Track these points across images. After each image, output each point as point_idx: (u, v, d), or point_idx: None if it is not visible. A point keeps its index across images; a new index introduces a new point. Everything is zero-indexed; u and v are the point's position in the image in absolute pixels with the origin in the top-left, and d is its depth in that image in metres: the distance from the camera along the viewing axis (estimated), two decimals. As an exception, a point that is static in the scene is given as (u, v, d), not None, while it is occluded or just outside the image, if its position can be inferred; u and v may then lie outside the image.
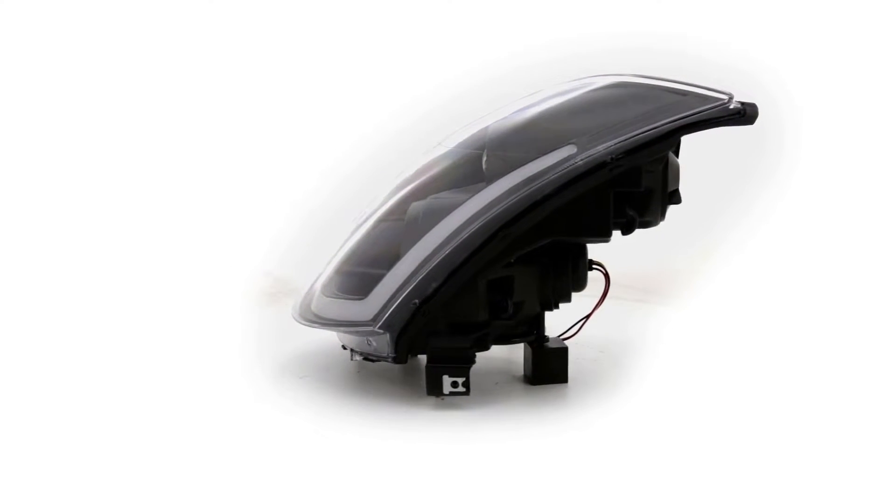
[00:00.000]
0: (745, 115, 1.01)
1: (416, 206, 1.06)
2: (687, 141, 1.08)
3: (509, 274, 1.04)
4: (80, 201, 1.50)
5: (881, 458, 0.92)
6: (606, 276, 1.14)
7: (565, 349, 1.11)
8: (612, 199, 1.00)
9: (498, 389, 1.10)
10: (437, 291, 1.00)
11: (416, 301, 1.01)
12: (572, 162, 0.98)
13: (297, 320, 1.13)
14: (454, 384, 1.02)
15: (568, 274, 1.08)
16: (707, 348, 1.25)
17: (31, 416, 1.01)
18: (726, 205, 1.54)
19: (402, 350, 1.03)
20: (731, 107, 1.02)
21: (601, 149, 0.98)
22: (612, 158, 0.98)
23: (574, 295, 1.10)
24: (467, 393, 1.02)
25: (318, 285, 1.16)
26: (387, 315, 1.02)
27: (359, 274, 1.08)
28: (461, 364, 1.02)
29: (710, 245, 1.54)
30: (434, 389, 1.02)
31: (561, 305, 1.11)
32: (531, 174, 0.99)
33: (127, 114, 1.52)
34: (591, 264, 1.14)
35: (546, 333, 1.14)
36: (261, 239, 1.53)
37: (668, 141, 0.99)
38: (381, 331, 1.03)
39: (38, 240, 1.46)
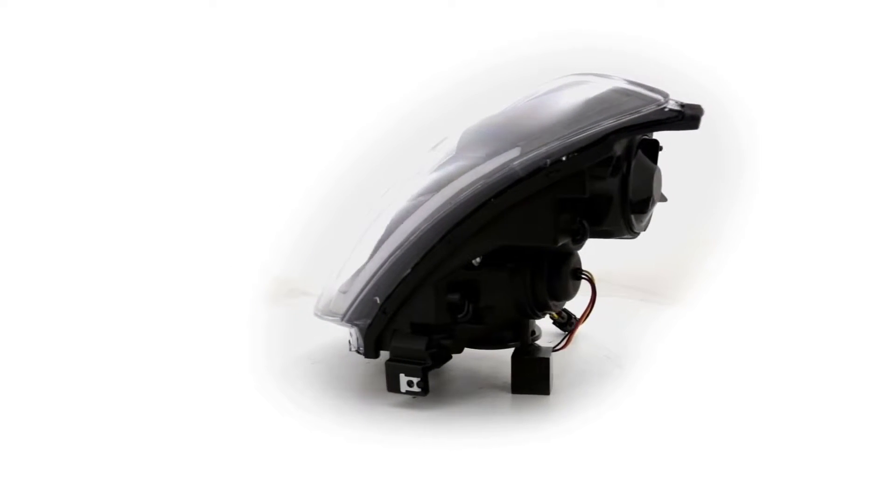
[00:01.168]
0: (684, 117, 0.93)
1: (394, 206, 1.09)
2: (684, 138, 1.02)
3: (473, 277, 1.04)
4: (80, 205, 1.54)
5: (886, 459, 0.89)
6: (593, 286, 1.09)
7: (546, 360, 1.08)
8: (557, 204, 0.96)
9: (478, 393, 1.10)
10: (394, 290, 1.03)
11: (378, 298, 1.04)
12: (510, 166, 0.96)
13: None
14: (409, 383, 1.04)
15: (543, 281, 1.06)
16: (705, 350, 1.20)
17: (40, 408, 1.06)
18: (725, 203, 1.47)
19: (370, 345, 1.06)
20: (668, 108, 0.94)
21: (540, 152, 0.95)
22: (548, 163, 0.94)
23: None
24: (423, 393, 1.03)
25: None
26: (351, 310, 1.06)
27: (349, 268, 1.13)
28: (416, 364, 1.03)
29: (710, 243, 1.48)
30: (393, 386, 1.05)
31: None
32: (477, 177, 0.98)
33: (126, 120, 1.56)
34: (578, 273, 1.10)
35: (538, 343, 1.12)
36: (264, 240, 1.57)
37: (602, 145, 0.93)
38: (349, 324, 1.07)
39: (43, 245, 1.50)
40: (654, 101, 0.94)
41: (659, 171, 1.03)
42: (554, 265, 1.06)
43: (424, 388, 1.03)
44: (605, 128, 0.93)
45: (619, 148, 0.95)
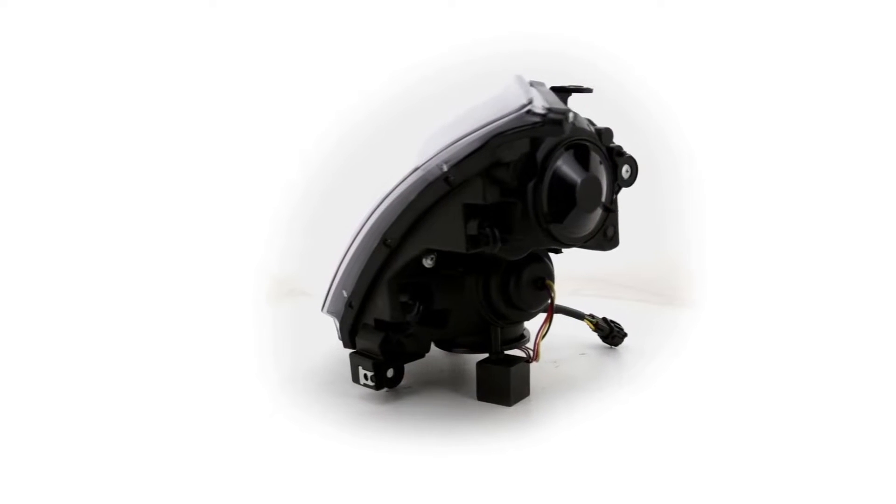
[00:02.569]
0: (546, 122, 0.86)
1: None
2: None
3: (427, 279, 1.04)
4: (70, 208, 1.50)
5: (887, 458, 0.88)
6: (552, 299, 1.03)
7: (507, 371, 1.04)
8: (464, 210, 0.92)
9: (448, 397, 1.09)
10: (355, 286, 1.06)
11: (344, 292, 1.08)
12: (416, 171, 0.95)
13: None
14: (365, 377, 1.07)
15: (497, 288, 1.03)
16: (706, 351, 1.18)
17: (43, 417, 1.04)
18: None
19: (345, 336, 1.11)
20: (532, 111, 0.88)
21: (440, 156, 0.93)
22: (445, 167, 0.92)
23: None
24: (376, 388, 1.06)
25: None
26: (327, 302, 1.12)
27: None
28: (370, 359, 1.06)
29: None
30: (355, 378, 1.09)
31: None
32: (401, 180, 0.98)
33: (102, 123, 1.51)
34: (541, 282, 1.04)
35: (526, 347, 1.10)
36: (257, 240, 1.55)
37: (484, 150, 0.89)
38: (328, 314, 1.13)
39: (38, 250, 1.48)
40: (521, 104, 0.88)
41: (591, 178, 0.94)
42: (509, 272, 1.03)
43: (378, 384, 1.06)
44: (484, 132, 0.90)
45: (509, 153, 0.90)
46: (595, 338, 1.27)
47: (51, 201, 1.48)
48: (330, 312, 1.12)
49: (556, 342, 1.26)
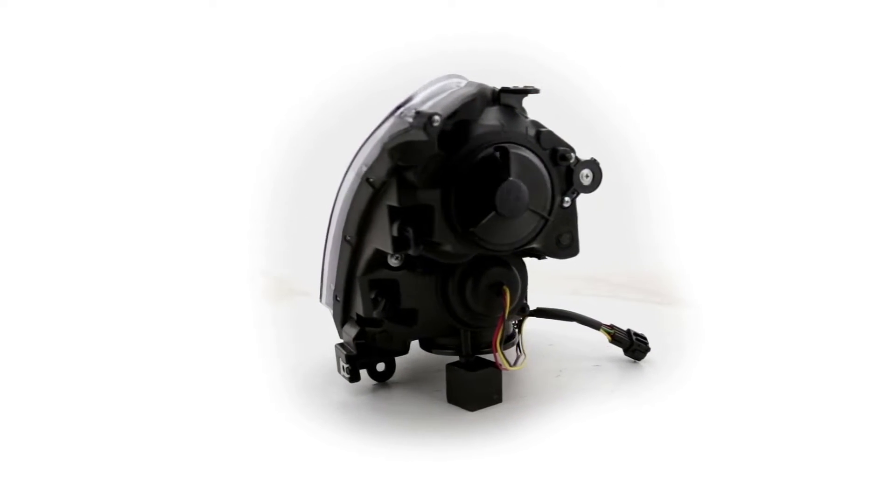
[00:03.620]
0: (411, 128, 0.84)
1: None
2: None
3: (394, 277, 1.04)
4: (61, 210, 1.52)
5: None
6: (504, 306, 0.99)
7: (472, 377, 1.02)
8: (389, 212, 0.92)
9: (423, 399, 1.08)
10: (336, 280, 1.09)
11: (332, 285, 1.12)
12: (349, 169, 0.95)
13: None
14: (342, 368, 1.10)
15: (455, 290, 1.01)
16: (704, 351, 1.18)
17: (41, 418, 1.04)
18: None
19: (338, 327, 1.14)
20: (405, 118, 0.85)
21: (361, 157, 0.93)
22: (364, 168, 0.92)
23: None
24: (350, 380, 1.08)
25: None
26: (322, 294, 1.16)
27: None
28: (345, 352, 1.09)
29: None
30: (338, 369, 1.12)
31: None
32: (343, 176, 0.99)
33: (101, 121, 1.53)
34: (497, 287, 1.01)
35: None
36: (256, 239, 1.52)
37: (382, 153, 0.88)
38: (325, 306, 1.17)
39: (31, 255, 1.51)
40: (397, 108, 0.86)
41: (514, 183, 0.89)
42: (467, 275, 1.01)
43: (351, 376, 1.08)
44: (378, 134, 0.88)
45: (411, 157, 0.87)
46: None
47: (36, 207, 1.54)
48: (326, 304, 1.16)
49: (575, 350, 1.21)
